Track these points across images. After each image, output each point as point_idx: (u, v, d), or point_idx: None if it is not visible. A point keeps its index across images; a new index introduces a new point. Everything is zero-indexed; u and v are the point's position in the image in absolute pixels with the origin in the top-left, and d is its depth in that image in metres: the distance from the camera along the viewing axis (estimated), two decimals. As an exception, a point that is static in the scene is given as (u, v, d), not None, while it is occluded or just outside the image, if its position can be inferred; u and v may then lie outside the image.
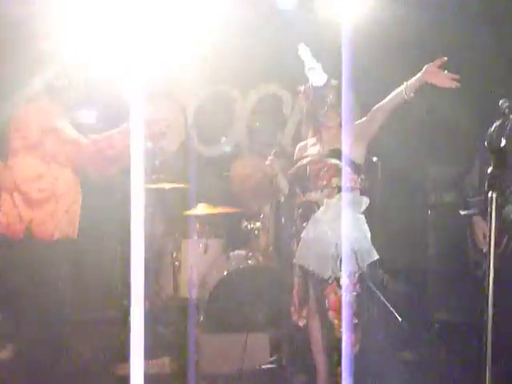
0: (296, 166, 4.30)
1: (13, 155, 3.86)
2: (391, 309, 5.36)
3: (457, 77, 3.94)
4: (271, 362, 4.82)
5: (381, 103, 4.12)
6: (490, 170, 3.02)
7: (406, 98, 4.00)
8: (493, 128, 4.43)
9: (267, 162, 4.41)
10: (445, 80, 3.95)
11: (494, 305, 3.64)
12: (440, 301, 5.83)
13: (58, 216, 3.82)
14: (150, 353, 4.83)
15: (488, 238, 3.06)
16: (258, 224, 5.41)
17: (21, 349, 4.02)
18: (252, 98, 6.88)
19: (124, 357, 4.67)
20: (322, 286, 4.03)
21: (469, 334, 4.46)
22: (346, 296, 3.94)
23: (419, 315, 5.79)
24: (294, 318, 4.25)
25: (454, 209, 5.04)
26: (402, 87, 4.01)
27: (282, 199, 4.89)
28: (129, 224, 2.72)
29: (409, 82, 4.01)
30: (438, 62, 3.96)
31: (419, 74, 3.99)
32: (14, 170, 3.84)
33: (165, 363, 4.81)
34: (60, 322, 3.84)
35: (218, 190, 6.22)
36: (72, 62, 3.97)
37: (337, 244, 3.96)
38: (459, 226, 4.55)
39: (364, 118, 4.21)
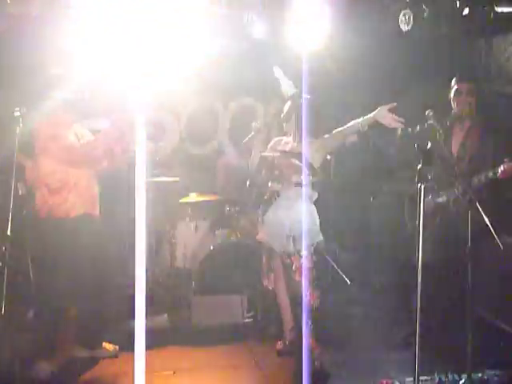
0: (267, 154, 4.24)
1: (37, 155, 3.96)
2: (341, 274, 5.43)
3: (402, 120, 3.96)
4: (248, 317, 4.83)
5: (341, 128, 4.11)
6: (418, 167, 3.07)
7: (360, 129, 4.02)
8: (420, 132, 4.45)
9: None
10: (392, 122, 3.95)
11: (423, 268, 3.72)
12: (380, 266, 5.80)
13: (72, 200, 3.91)
14: (152, 311, 4.89)
15: (418, 219, 3.13)
16: (237, 208, 5.41)
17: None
18: (232, 108, 6.87)
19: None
20: (285, 256, 4.04)
21: (403, 292, 4.49)
22: (307, 262, 3.95)
23: (364, 278, 5.87)
24: (264, 282, 4.31)
25: (390, 195, 5.11)
26: (359, 120, 4.00)
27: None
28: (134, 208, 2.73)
29: (364, 118, 4.00)
30: (389, 106, 3.96)
31: (372, 114, 3.98)
32: (38, 166, 3.95)
33: (163, 319, 4.82)
34: (75, 284, 3.87)
35: (205, 182, 6.22)
36: (84, 79, 3.99)
37: (290, 226, 3.99)
38: (394, 208, 4.59)
39: (327, 135, 4.15)
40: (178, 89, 6.49)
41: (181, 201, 5.45)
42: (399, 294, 4.69)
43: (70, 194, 3.92)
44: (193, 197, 5.43)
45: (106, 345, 4.22)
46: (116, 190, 4.62)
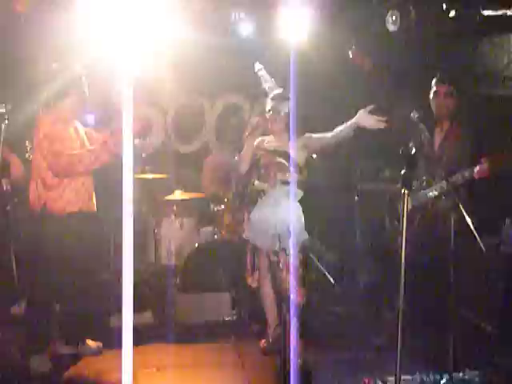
0: (254, 155, 4.22)
1: (34, 150, 4.02)
2: (326, 273, 5.47)
3: (384, 118, 4.00)
4: (233, 315, 4.83)
5: (326, 136, 4.13)
6: (402, 172, 3.09)
7: (346, 137, 4.08)
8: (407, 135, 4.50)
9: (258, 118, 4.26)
10: (375, 123, 4.00)
11: (407, 267, 3.75)
12: (363, 266, 5.85)
13: (67, 196, 3.92)
14: (136, 307, 4.88)
15: (401, 221, 3.15)
16: (222, 206, 5.40)
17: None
18: (218, 106, 6.89)
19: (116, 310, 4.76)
20: (271, 254, 4.01)
21: (386, 291, 4.52)
22: (293, 260, 3.95)
23: (347, 278, 5.91)
24: (248, 281, 4.30)
25: (373, 195, 5.14)
26: (341, 128, 4.05)
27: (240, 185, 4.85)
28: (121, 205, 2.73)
29: (346, 124, 4.04)
30: (368, 108, 4.00)
31: (354, 119, 4.02)
32: (33, 162, 3.99)
33: (148, 316, 4.82)
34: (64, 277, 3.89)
35: (191, 180, 6.22)
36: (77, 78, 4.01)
37: (276, 224, 3.99)
38: (377, 208, 4.61)
39: (314, 135, 4.17)
40: (164, 86, 6.53)
41: (166, 198, 5.43)
42: (383, 293, 4.72)
43: (66, 190, 3.93)
44: (178, 194, 5.41)
45: (89, 342, 4.20)
46: (109, 186, 4.58)
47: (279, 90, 4.17)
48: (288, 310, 3.99)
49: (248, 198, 4.29)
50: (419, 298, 4.08)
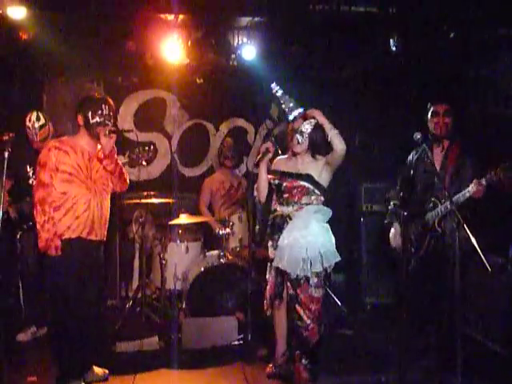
0: (273, 180, 4.12)
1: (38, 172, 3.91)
2: (332, 295, 5.46)
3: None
4: (239, 339, 4.83)
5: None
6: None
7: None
8: (411, 156, 4.55)
9: (267, 143, 4.10)
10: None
11: (411, 290, 3.75)
12: (370, 288, 5.88)
13: (67, 222, 3.84)
14: (142, 333, 4.91)
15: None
16: (228, 230, 5.44)
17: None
18: (223, 129, 6.96)
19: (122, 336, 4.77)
20: (294, 284, 3.92)
21: (392, 313, 4.49)
22: (315, 292, 3.89)
23: (354, 299, 5.92)
24: (265, 308, 4.16)
25: (380, 217, 5.15)
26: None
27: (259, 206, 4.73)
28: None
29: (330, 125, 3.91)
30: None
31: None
32: (37, 194, 3.85)
33: (155, 341, 4.83)
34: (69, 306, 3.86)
35: (196, 204, 6.27)
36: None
37: (307, 248, 3.85)
38: (383, 229, 4.62)
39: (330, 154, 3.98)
40: (169, 110, 6.64)
41: (171, 222, 5.47)
42: (389, 315, 4.72)
43: (66, 216, 3.84)
44: (183, 218, 5.43)
45: (95, 369, 4.20)
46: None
47: (300, 110, 4.03)
48: (298, 347, 3.98)
49: (271, 225, 4.10)
50: (426, 318, 4.10)
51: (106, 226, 4.09)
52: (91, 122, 3.93)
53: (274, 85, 4.03)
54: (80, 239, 3.89)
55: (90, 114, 3.93)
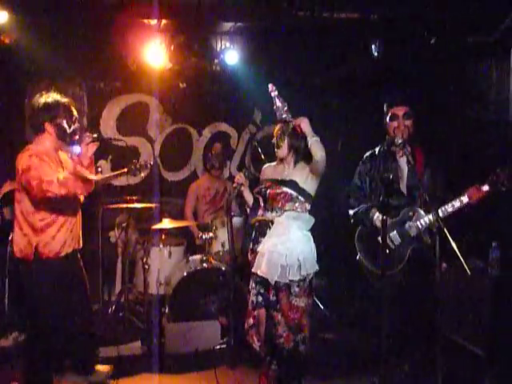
0: (259, 186, 4.06)
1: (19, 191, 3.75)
2: (315, 299, 5.48)
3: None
4: (221, 344, 4.85)
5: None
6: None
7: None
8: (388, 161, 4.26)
9: (237, 177, 4.09)
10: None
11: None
12: (352, 293, 5.88)
13: (62, 237, 3.78)
14: (124, 338, 4.90)
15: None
16: (211, 234, 5.44)
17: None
18: (206, 134, 6.98)
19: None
20: (275, 291, 3.84)
21: (375, 318, 4.50)
22: (295, 301, 3.79)
23: (337, 304, 5.91)
24: (248, 318, 3.96)
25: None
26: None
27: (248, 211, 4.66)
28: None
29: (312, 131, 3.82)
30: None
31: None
32: (21, 204, 3.73)
33: (137, 346, 4.83)
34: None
35: (179, 208, 6.27)
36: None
37: (286, 255, 3.77)
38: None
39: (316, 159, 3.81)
40: (152, 114, 6.64)
41: (154, 227, 5.46)
42: (372, 320, 4.74)
43: (59, 233, 3.76)
44: (166, 223, 5.43)
45: (99, 367, 4.19)
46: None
47: (286, 115, 3.89)
48: (273, 359, 3.92)
49: (254, 230, 3.99)
50: (407, 322, 4.13)
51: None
52: (68, 131, 3.77)
53: (270, 85, 3.92)
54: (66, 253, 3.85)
55: (64, 122, 3.75)
